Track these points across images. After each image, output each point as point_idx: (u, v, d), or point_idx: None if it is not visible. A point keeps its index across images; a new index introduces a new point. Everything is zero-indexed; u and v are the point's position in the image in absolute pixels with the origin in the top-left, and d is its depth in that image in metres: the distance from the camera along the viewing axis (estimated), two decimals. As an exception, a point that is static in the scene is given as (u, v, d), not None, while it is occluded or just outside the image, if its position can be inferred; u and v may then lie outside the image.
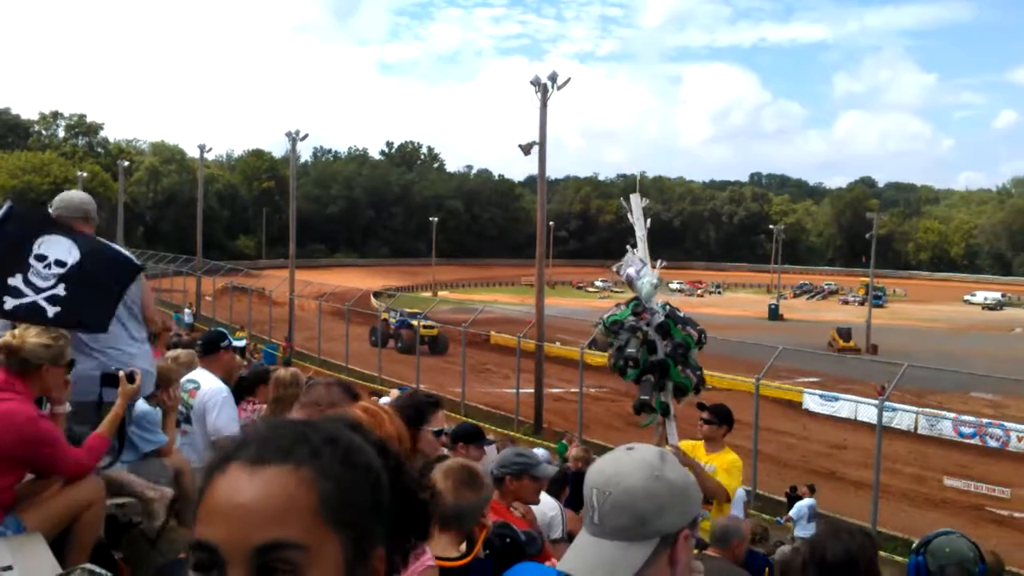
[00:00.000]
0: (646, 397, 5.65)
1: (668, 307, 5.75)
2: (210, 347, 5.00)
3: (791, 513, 14.01)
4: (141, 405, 4.47)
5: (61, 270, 3.04)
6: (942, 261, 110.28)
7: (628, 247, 5.81)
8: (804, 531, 12.76)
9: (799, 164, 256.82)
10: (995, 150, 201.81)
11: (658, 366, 5.71)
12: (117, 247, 3.45)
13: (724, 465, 5.84)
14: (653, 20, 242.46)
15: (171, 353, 6.83)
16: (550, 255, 66.19)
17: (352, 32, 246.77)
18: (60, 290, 3.01)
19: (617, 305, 6.04)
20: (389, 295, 55.48)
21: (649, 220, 6.19)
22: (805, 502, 14.17)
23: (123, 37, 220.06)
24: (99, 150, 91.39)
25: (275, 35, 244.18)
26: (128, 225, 61.13)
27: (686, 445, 5.92)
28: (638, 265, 5.70)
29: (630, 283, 5.87)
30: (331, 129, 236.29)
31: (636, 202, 5.73)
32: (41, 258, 3.01)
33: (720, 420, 6.07)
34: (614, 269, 5.99)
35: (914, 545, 3.19)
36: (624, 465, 1.48)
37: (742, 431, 20.68)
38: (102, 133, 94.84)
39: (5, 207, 3.20)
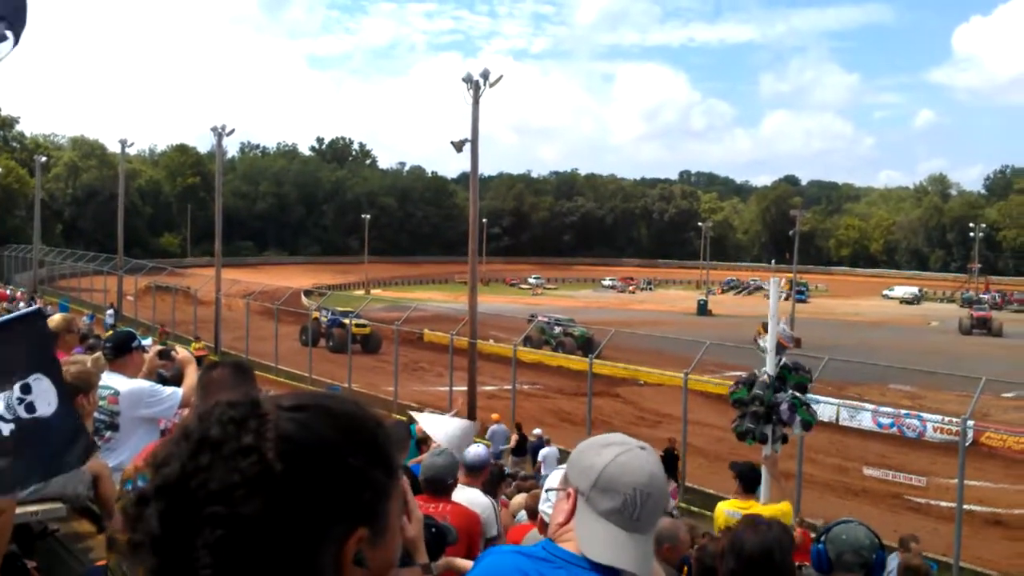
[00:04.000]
0: (752, 426, 7.07)
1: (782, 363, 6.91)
2: (121, 348, 4.83)
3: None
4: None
5: (26, 415, 2.81)
6: (862, 257, 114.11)
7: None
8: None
9: (727, 162, 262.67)
10: (913, 149, 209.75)
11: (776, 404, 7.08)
12: (84, 430, 3.19)
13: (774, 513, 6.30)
14: (586, 18, 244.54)
15: (90, 356, 6.63)
16: (483, 252, 66.21)
17: (282, 25, 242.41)
18: (5, 430, 2.76)
19: (738, 384, 7.60)
20: (320, 294, 54.72)
21: (783, 296, 7.61)
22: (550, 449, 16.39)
23: (41, 26, 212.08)
24: (15, 144, 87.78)
25: (201, 27, 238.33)
26: (46, 222, 58.94)
27: (726, 503, 6.56)
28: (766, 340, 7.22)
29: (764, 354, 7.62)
30: (259, 124, 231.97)
31: (774, 284, 7.03)
32: (25, 389, 2.79)
33: (749, 487, 6.64)
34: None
35: (817, 533, 3.30)
36: (653, 464, 1.63)
37: (672, 424, 21.08)
38: (18, 127, 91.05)
39: (34, 309, 3.00)
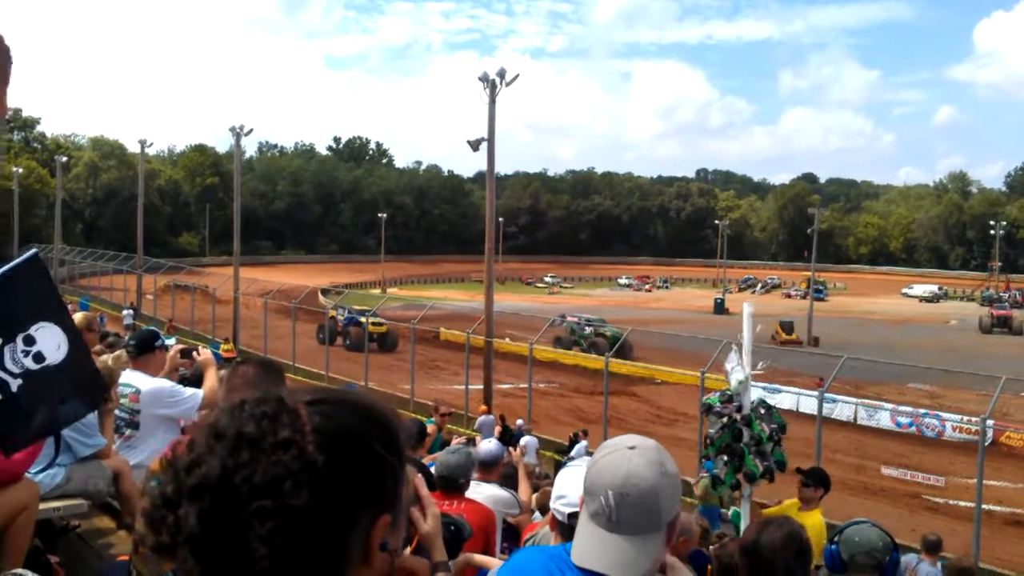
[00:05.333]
0: (716, 472, 6.79)
1: (758, 401, 6.62)
2: (144, 347, 4.88)
3: (572, 453, 16.55)
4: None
5: (34, 365, 2.76)
6: (881, 255, 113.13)
7: (733, 344, 6.80)
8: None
9: (744, 160, 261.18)
10: (933, 146, 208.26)
11: (736, 451, 6.75)
12: (96, 373, 3.14)
13: (808, 525, 6.26)
14: (603, 16, 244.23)
15: (111, 354, 6.72)
16: (499, 251, 66.34)
17: (299, 25, 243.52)
18: (13, 385, 2.72)
19: (716, 391, 7.34)
20: (337, 292, 54.93)
21: (758, 327, 7.26)
22: (581, 443, 17.28)
23: (62, 28, 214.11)
24: (36, 145, 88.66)
25: (219, 28, 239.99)
26: (66, 222, 59.62)
27: (787, 504, 6.71)
28: (734, 362, 6.61)
29: (726, 375, 7.00)
30: (277, 124, 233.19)
31: (747, 310, 6.50)
32: (29, 340, 2.75)
33: (816, 483, 6.56)
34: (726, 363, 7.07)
35: (832, 534, 3.31)
36: (636, 465, 1.59)
37: (689, 423, 21.03)
38: (39, 128, 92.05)
39: (31, 254, 2.93)
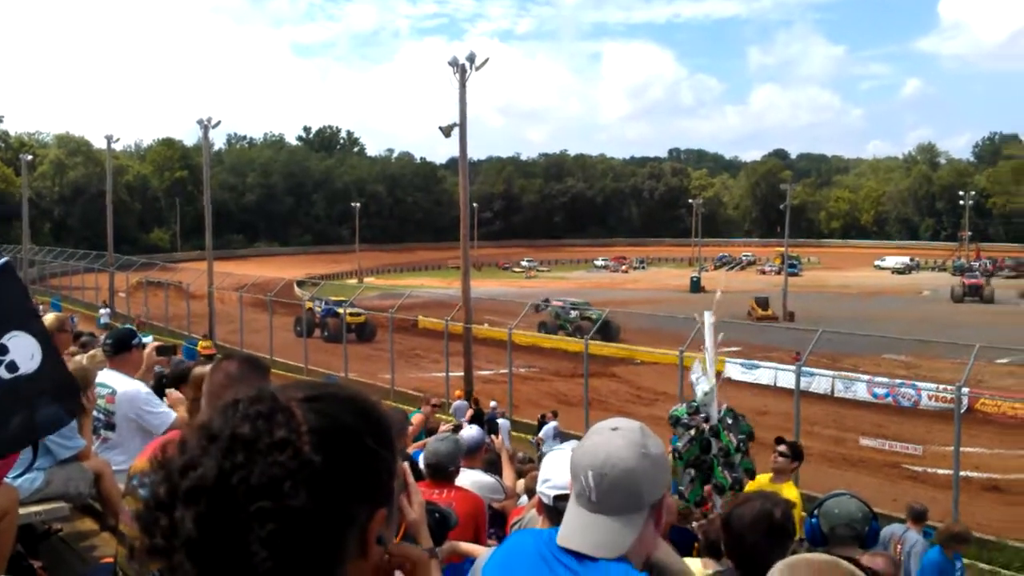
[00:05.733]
0: (682, 488, 6.58)
1: (725, 411, 6.47)
2: (121, 346, 4.82)
3: (540, 434, 17.22)
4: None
5: (7, 375, 2.70)
6: (853, 228, 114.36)
7: (699, 357, 6.60)
8: (550, 447, 15.20)
9: (716, 138, 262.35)
10: (901, 119, 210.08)
11: (706, 463, 6.58)
12: (71, 379, 3.06)
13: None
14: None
15: (87, 353, 6.62)
16: (475, 237, 66.11)
17: (266, 13, 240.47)
18: None
19: (682, 402, 7.16)
20: (313, 284, 54.59)
21: (721, 335, 6.99)
22: (550, 424, 17.66)
23: (21, 22, 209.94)
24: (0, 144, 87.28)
25: (182, 18, 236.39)
26: (34, 222, 58.63)
27: (760, 478, 6.62)
28: (698, 372, 6.51)
29: (692, 386, 6.90)
30: (245, 115, 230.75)
31: (708, 320, 6.31)
32: (2, 350, 2.69)
33: (793, 456, 6.57)
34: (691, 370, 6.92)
35: (811, 507, 3.33)
36: (616, 447, 1.59)
37: (668, 402, 21.14)
38: (1, 126, 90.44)
39: (1, 263, 2.85)
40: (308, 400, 0.93)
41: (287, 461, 0.86)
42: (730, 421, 6.61)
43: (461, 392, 20.96)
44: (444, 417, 17.17)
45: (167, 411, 4.63)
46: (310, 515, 0.86)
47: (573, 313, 36.99)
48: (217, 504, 0.84)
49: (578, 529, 1.60)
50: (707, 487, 6.58)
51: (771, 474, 6.64)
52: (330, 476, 0.88)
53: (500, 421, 16.92)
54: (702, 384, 6.38)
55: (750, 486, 6.53)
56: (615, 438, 1.61)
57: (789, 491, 6.28)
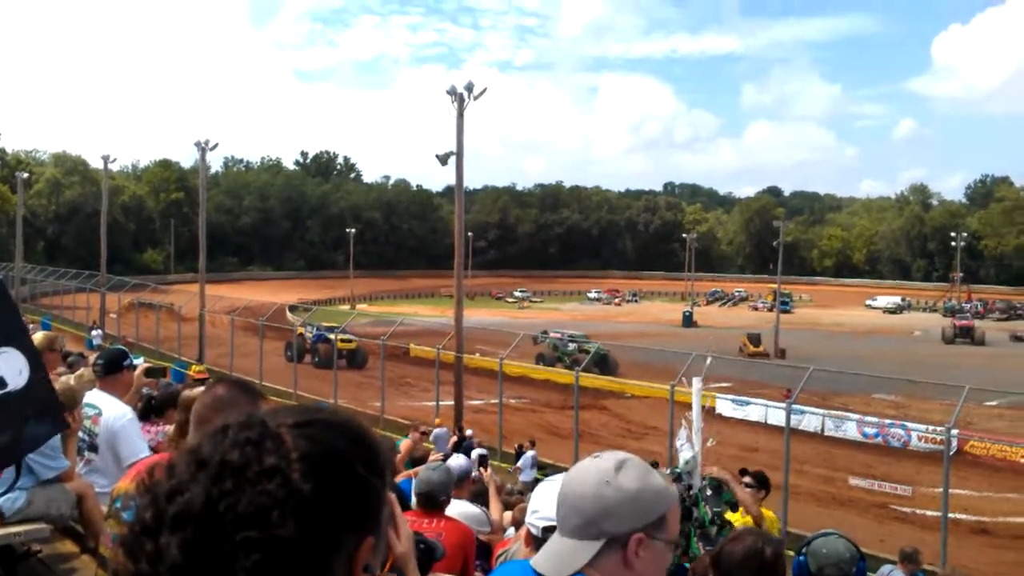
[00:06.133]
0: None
1: (708, 481, 6.47)
2: (112, 367, 4.79)
3: (518, 464, 17.65)
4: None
5: None
6: (845, 267, 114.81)
7: (684, 419, 6.56)
8: (527, 477, 16.43)
9: (710, 174, 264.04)
10: (894, 159, 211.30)
11: (683, 531, 6.58)
12: (56, 397, 3.06)
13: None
14: (569, 31, 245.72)
15: (74, 373, 6.58)
16: (469, 266, 66.27)
17: (266, 39, 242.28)
18: None
19: (667, 468, 7.04)
20: (305, 309, 54.45)
21: (707, 403, 6.97)
22: (528, 453, 18.06)
23: (21, 41, 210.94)
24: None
25: (184, 41, 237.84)
26: (28, 240, 58.55)
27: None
28: (683, 439, 6.51)
29: (676, 452, 6.82)
30: (243, 139, 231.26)
31: (696, 386, 6.27)
32: None
33: (759, 485, 6.65)
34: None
35: (800, 546, 3.32)
36: (582, 471, 1.62)
37: (659, 437, 21.10)
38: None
39: None
40: (298, 426, 0.92)
41: (276, 490, 0.85)
42: (709, 492, 6.58)
43: (440, 420, 20.91)
44: (427, 444, 17.16)
45: (141, 444, 4.59)
46: (297, 545, 0.84)
47: (571, 346, 36.84)
48: (203, 531, 0.83)
49: (544, 550, 1.64)
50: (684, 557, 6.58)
51: (742, 508, 6.66)
52: (319, 504, 0.86)
53: (477, 450, 17.00)
54: (685, 451, 6.36)
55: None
56: (588, 464, 1.62)
57: (767, 519, 6.36)
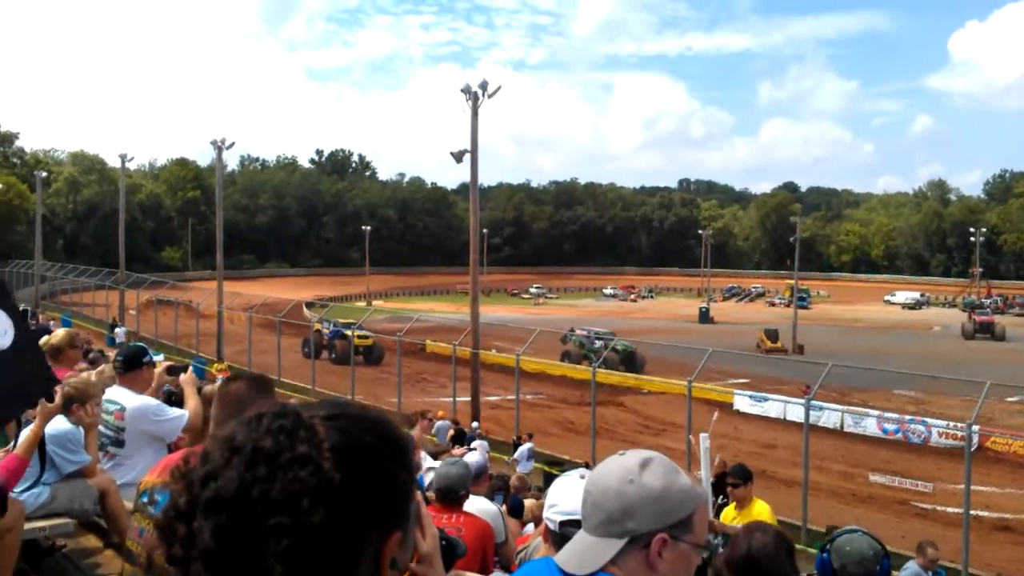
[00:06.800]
0: None
1: (722, 538, 6.39)
2: (132, 363, 4.81)
3: (516, 455, 17.86)
4: (62, 424, 4.31)
5: None
6: (863, 263, 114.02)
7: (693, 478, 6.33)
8: (524, 468, 16.31)
9: (726, 170, 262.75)
10: (912, 154, 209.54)
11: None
12: (44, 362, 3.07)
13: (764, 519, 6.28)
14: (583, 29, 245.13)
15: (95, 370, 6.62)
16: (484, 262, 66.34)
17: (281, 39, 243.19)
18: None
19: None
20: (322, 306, 54.73)
21: (716, 458, 6.82)
22: (525, 446, 18.41)
23: (39, 42, 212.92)
24: (15, 160, 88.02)
25: (200, 41, 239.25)
26: (47, 238, 59.02)
27: (724, 513, 6.63)
28: None
29: None
30: (259, 137, 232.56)
31: (704, 444, 6.17)
32: None
33: (741, 479, 6.59)
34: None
35: (822, 542, 3.29)
36: (606, 468, 1.60)
37: (676, 433, 21.04)
38: (17, 143, 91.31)
39: None
40: (330, 418, 0.93)
41: (307, 477, 0.86)
42: (721, 550, 6.54)
43: (444, 412, 21.02)
44: (429, 437, 17.23)
45: (178, 414, 4.63)
46: (326, 533, 0.86)
47: (598, 343, 36.31)
48: (236, 516, 0.84)
49: (568, 546, 1.63)
50: None
51: (734, 503, 6.67)
52: (348, 495, 0.88)
53: (477, 441, 17.10)
54: None
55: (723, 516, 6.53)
56: (613, 462, 1.61)
57: (760, 509, 6.35)
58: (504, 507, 7.03)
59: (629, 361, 35.00)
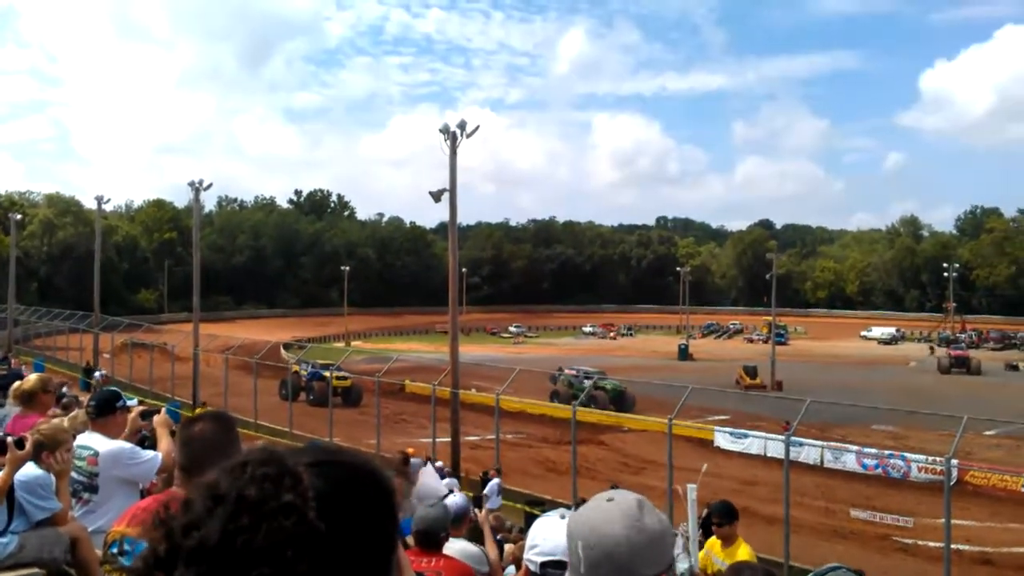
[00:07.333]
0: None
1: None
2: (105, 408, 4.74)
3: (484, 491, 17.50)
4: (33, 470, 4.23)
5: None
6: (838, 299, 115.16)
7: (680, 530, 6.25)
8: (493, 504, 16.28)
9: (702, 207, 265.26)
10: (884, 191, 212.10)
11: None
12: None
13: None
14: (560, 69, 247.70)
15: (68, 414, 6.52)
16: (463, 302, 66.18)
17: (260, 80, 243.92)
18: None
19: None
20: (300, 347, 54.33)
21: (704, 510, 6.76)
22: (493, 481, 18.07)
23: (13, 81, 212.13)
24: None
25: (179, 82, 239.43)
26: (21, 280, 58.31)
27: (708, 543, 6.51)
28: (680, 548, 6.38)
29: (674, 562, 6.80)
30: (237, 178, 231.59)
31: (692, 495, 6.13)
32: None
33: (726, 519, 6.55)
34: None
35: None
36: (607, 519, 1.53)
37: (657, 472, 20.95)
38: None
39: None
40: (316, 465, 0.92)
41: (292, 527, 0.85)
42: None
43: (414, 450, 20.84)
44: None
45: (151, 456, 4.56)
46: None
47: (587, 382, 35.98)
48: (218, 566, 0.83)
49: None
50: None
51: (721, 541, 6.63)
52: (333, 545, 0.87)
53: (447, 479, 17.01)
54: (682, 562, 6.21)
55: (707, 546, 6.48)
56: (609, 508, 1.56)
57: (742, 552, 6.31)
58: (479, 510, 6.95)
59: (619, 400, 34.87)
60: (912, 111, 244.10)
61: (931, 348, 73.11)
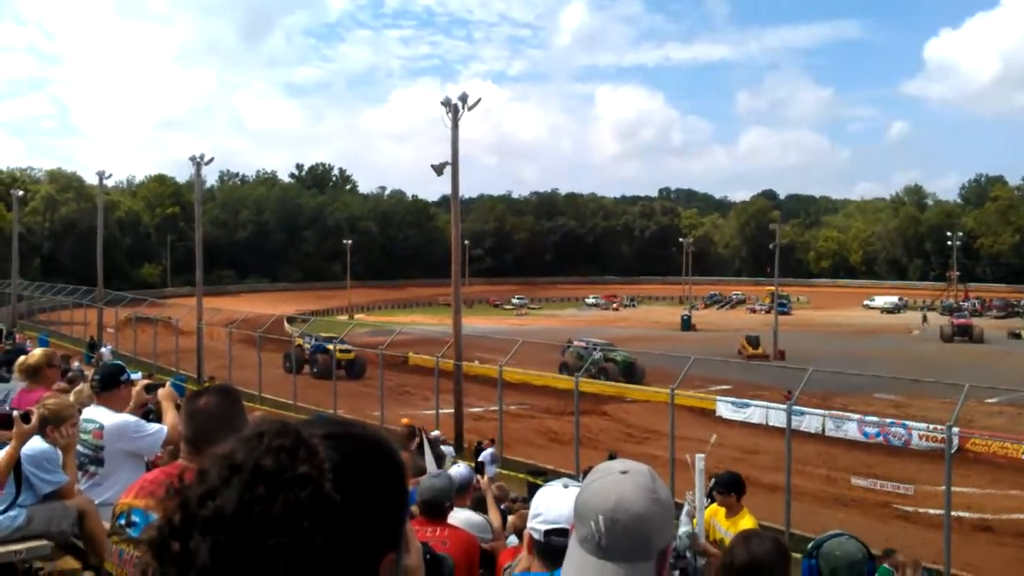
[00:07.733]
0: None
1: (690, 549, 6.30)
2: (109, 382, 4.76)
3: (480, 458, 17.91)
4: (39, 444, 4.27)
5: None
6: (842, 268, 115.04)
7: (686, 503, 6.21)
8: (490, 472, 16.28)
9: (706, 178, 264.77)
10: (888, 161, 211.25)
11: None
12: None
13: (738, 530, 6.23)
14: (562, 41, 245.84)
15: (74, 388, 6.56)
16: (466, 274, 66.32)
17: (260, 54, 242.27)
18: None
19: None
20: (303, 320, 54.46)
21: (712, 480, 6.67)
22: (488, 451, 18.85)
23: (16, 58, 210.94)
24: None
25: (179, 57, 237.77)
26: (24, 256, 58.36)
27: (709, 510, 6.45)
28: (683, 515, 6.40)
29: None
30: (239, 152, 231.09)
31: (699, 465, 6.09)
32: None
33: (729, 490, 6.58)
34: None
35: (808, 547, 3.28)
36: (628, 491, 1.52)
37: (660, 441, 21.07)
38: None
39: None
40: (330, 437, 0.94)
41: (308, 497, 0.86)
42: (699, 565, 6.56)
43: (408, 420, 20.94)
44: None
45: (157, 429, 4.59)
46: (324, 554, 0.86)
47: (597, 354, 35.69)
48: (235, 536, 0.84)
49: (582, 574, 1.54)
50: None
51: (724, 510, 6.67)
52: (347, 516, 0.88)
53: (444, 447, 17.16)
54: (684, 525, 6.24)
55: (708, 513, 6.50)
56: (626, 481, 1.55)
57: (746, 522, 6.36)
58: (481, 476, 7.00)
59: (629, 372, 34.86)
60: (917, 80, 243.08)
61: (924, 316, 73.45)
